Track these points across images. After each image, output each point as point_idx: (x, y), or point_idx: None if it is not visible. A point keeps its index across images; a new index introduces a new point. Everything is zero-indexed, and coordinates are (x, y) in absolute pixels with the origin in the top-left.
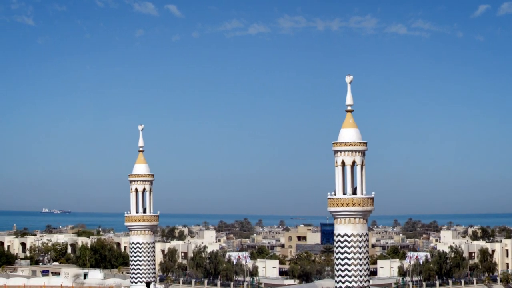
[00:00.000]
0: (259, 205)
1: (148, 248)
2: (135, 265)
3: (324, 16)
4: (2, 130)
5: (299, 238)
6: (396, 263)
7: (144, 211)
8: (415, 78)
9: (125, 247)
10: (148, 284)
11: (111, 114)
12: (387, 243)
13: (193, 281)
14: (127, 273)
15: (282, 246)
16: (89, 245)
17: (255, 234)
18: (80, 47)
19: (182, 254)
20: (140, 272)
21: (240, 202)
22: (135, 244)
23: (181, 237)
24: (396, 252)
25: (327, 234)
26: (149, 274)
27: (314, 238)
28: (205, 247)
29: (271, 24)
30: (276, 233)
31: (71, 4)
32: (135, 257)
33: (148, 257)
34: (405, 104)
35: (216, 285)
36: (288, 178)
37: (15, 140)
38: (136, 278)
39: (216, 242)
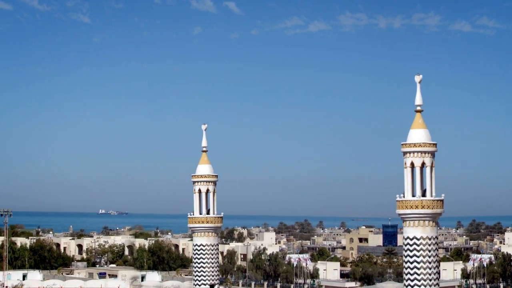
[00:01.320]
0: (320, 206)
1: (212, 250)
2: (198, 267)
3: (386, 13)
4: (62, 131)
5: (360, 240)
6: (459, 265)
7: (208, 213)
8: (480, 77)
9: (183, 249)
10: (211, 286)
11: (171, 113)
12: (450, 245)
13: (253, 283)
14: (186, 275)
15: (343, 248)
16: (146, 247)
17: (315, 236)
18: (137, 45)
19: (242, 256)
20: (204, 274)
21: (301, 203)
22: (199, 246)
23: (240, 239)
24: (459, 254)
25: (389, 236)
26: (212, 276)
27: (376, 240)
28: (264, 249)
29: (332, 21)
30: (337, 234)
31: (128, 1)
32: (198, 259)
33: (212, 259)
34: (470, 103)
35: (276, 287)
36: (350, 179)
37: (73, 142)
38: (199, 281)
39: (276, 244)
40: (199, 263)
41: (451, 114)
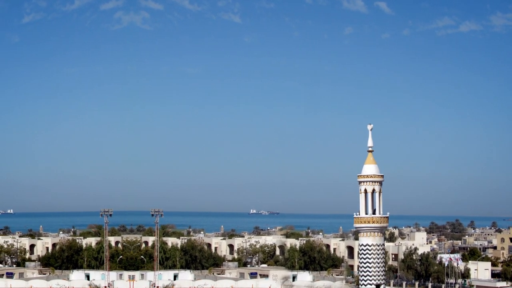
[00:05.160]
0: (471, 206)
1: (378, 250)
2: (364, 267)
3: None
4: (200, 131)
5: (511, 239)
6: None
7: (374, 212)
8: None
9: (334, 249)
10: (378, 286)
11: (323, 113)
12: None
13: (404, 283)
14: (337, 275)
15: (494, 248)
16: (297, 247)
17: (466, 236)
18: (288, 45)
19: (393, 256)
20: (370, 274)
21: (452, 204)
22: (364, 246)
23: (391, 238)
24: None
25: None
26: (378, 276)
27: None
28: (416, 248)
29: (483, 21)
30: (488, 234)
31: (279, 1)
32: (364, 259)
33: (378, 259)
34: None
35: (427, 287)
36: (501, 179)
37: (226, 145)
38: (365, 280)
39: (427, 243)
40: (364, 263)
41: None
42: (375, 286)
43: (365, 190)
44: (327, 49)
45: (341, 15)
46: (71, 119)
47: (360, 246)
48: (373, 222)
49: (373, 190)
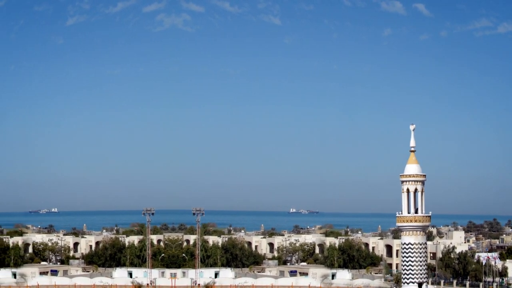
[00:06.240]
0: (509, 205)
1: (420, 249)
2: (407, 266)
3: None
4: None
5: None
6: None
7: (416, 212)
8: None
9: (373, 248)
10: (420, 284)
11: (363, 113)
12: None
13: (442, 281)
14: (376, 273)
15: None
16: (337, 246)
17: (504, 235)
18: (327, 47)
19: (431, 254)
20: (412, 272)
21: (490, 203)
22: (407, 245)
23: (429, 237)
24: None
25: None
26: (421, 274)
27: None
28: (454, 247)
29: None
30: None
31: (318, 3)
32: (406, 257)
33: (420, 257)
34: None
35: (465, 285)
36: None
37: (266, 145)
38: (408, 279)
39: (465, 242)
40: (407, 262)
41: None
42: (417, 285)
43: (408, 189)
44: (365, 50)
45: (379, 16)
46: (112, 120)
47: (403, 244)
48: (416, 221)
49: (416, 190)
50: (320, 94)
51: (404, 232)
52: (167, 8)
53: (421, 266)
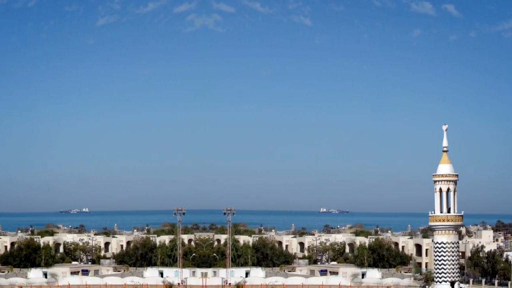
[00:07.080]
0: None
1: (452, 248)
2: (439, 265)
3: None
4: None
5: None
6: None
7: (448, 211)
8: None
9: (403, 247)
10: (452, 283)
11: (393, 115)
12: None
13: (471, 280)
14: (405, 272)
15: None
16: (367, 245)
17: None
18: (358, 47)
19: (460, 253)
20: (444, 271)
21: None
22: (439, 244)
23: (458, 236)
24: None
25: None
26: (453, 273)
27: None
28: (482, 246)
29: None
30: None
31: (348, 4)
32: (439, 256)
33: (452, 256)
34: None
35: (493, 284)
36: None
37: (294, 142)
38: (440, 278)
39: (493, 241)
40: (439, 261)
41: None
42: (449, 283)
43: (440, 189)
44: (395, 51)
45: (409, 17)
46: (143, 120)
47: (435, 244)
48: (448, 221)
49: (448, 189)
50: (350, 94)
51: (437, 231)
52: (197, 8)
53: (453, 265)
